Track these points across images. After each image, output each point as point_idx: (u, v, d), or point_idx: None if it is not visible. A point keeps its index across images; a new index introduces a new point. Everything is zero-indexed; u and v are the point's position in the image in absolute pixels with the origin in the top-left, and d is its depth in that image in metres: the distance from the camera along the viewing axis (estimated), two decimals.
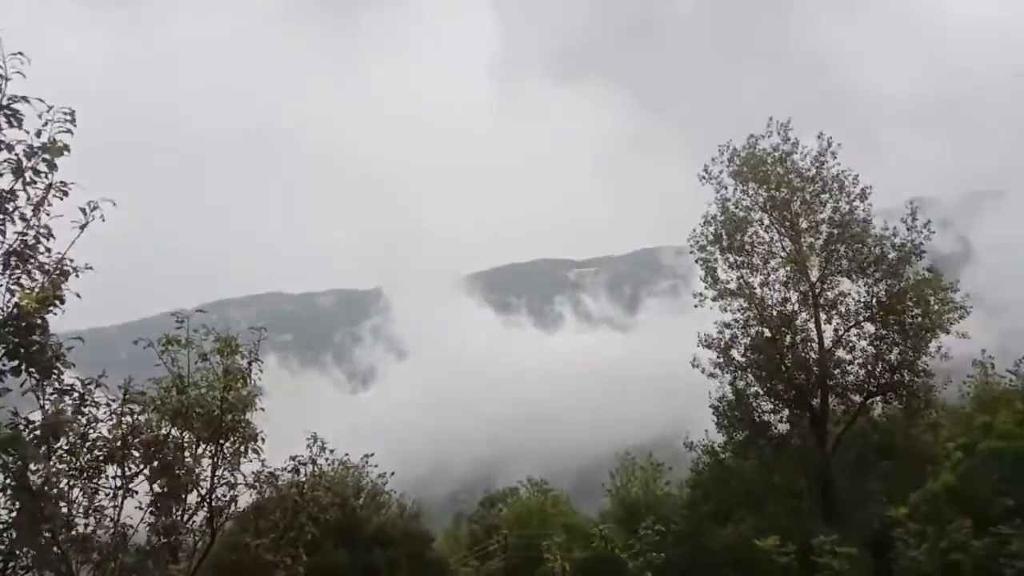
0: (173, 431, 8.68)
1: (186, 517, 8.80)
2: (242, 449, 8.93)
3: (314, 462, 14.25)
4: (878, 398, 30.94)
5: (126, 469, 8.17)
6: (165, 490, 8.40)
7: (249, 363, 9.21)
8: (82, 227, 7.28)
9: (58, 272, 7.16)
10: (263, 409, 9.00)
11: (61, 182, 7.30)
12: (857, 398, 30.76)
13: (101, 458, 8.07)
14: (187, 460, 8.66)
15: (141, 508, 8.52)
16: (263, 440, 8.88)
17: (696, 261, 31.51)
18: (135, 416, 8.27)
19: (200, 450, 8.90)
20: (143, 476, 8.35)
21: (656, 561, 30.39)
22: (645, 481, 48.83)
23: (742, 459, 31.73)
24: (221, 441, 8.84)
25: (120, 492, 8.10)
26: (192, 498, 8.81)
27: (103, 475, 8.12)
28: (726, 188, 31.89)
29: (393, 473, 48.56)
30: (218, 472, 8.97)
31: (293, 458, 11.18)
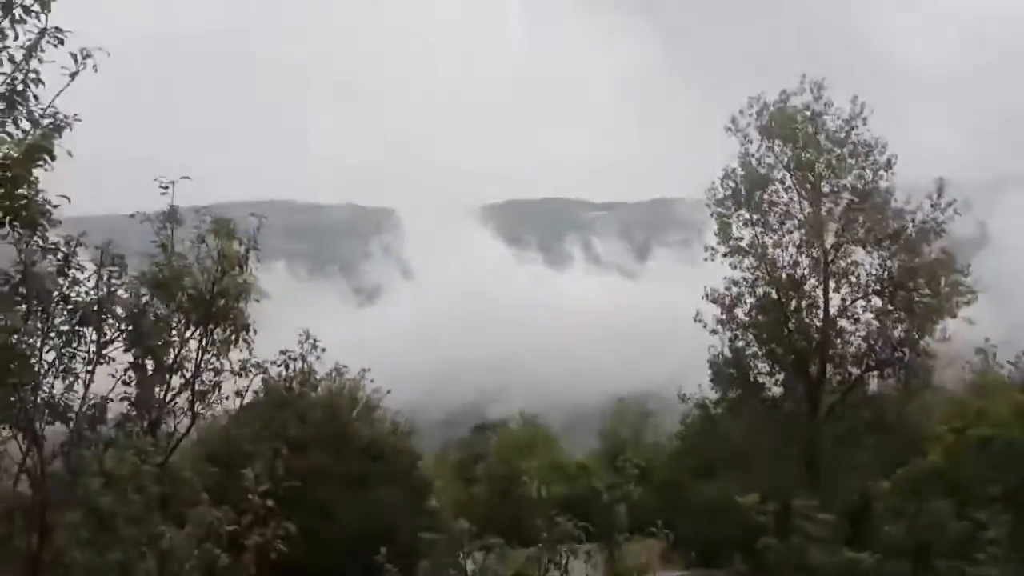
0: (157, 304, 8.42)
1: (169, 397, 8.66)
2: (232, 337, 8.71)
3: (304, 359, 14.23)
4: (876, 372, 30.87)
5: (102, 335, 7.88)
6: (140, 361, 8.18)
7: (247, 250, 8.86)
8: (72, 75, 6.69)
9: (50, 125, 6.66)
10: (258, 300, 8.80)
11: (57, 28, 6.65)
12: (855, 370, 30.70)
13: (76, 321, 7.79)
14: (172, 337, 8.45)
15: (115, 377, 8.25)
16: (255, 331, 8.69)
17: (711, 215, 31.13)
18: (113, 280, 7.99)
19: (188, 332, 8.69)
20: (119, 344, 8.05)
21: (632, 495, 30.81)
22: (635, 427, 49.39)
23: (733, 417, 31.85)
24: (211, 326, 8.63)
25: (94, 357, 7.85)
26: (177, 380, 8.66)
27: (80, 339, 7.85)
28: (751, 143, 31.26)
29: (389, 391, 49.15)
30: (205, 356, 8.79)
31: (284, 352, 11.16)
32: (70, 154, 6.70)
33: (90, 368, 7.88)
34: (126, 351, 8.16)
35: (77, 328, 7.84)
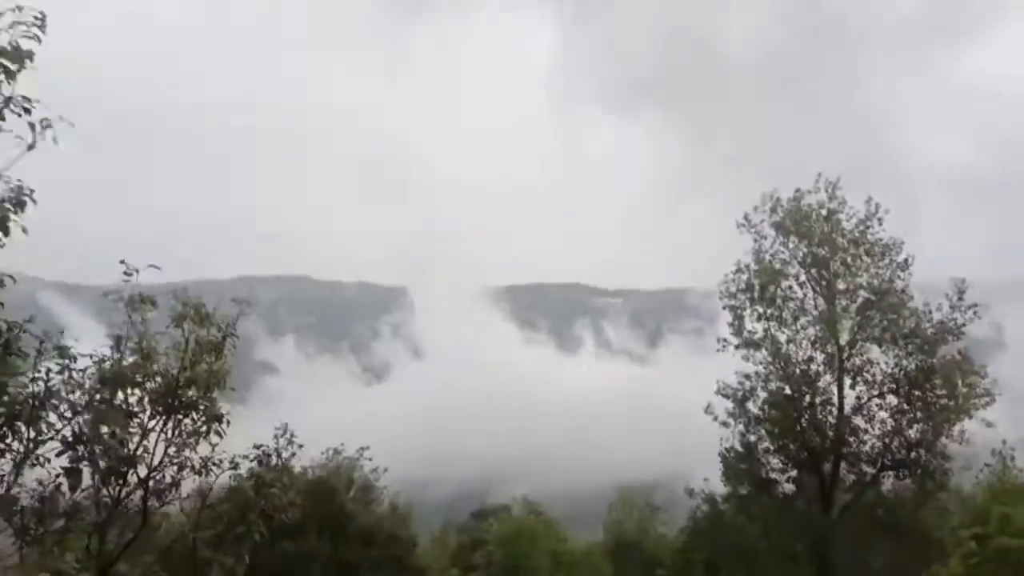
0: (111, 396, 7.44)
1: (123, 493, 7.68)
2: (203, 428, 7.93)
3: (279, 454, 13.20)
4: (891, 473, 30.08)
5: (34, 432, 6.96)
6: (76, 466, 7.23)
7: (223, 337, 8.16)
8: (29, 147, 6.12)
9: (9, 198, 6.15)
10: (233, 389, 8.12)
11: (24, 96, 6.13)
12: (870, 469, 29.93)
13: (5, 417, 6.80)
14: (131, 429, 7.54)
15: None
16: (227, 422, 7.86)
17: (724, 307, 30.91)
18: (52, 375, 7.07)
19: (152, 423, 7.82)
20: (59, 442, 7.15)
21: None
22: (640, 519, 48.16)
23: (743, 513, 30.94)
24: (179, 416, 7.85)
25: (21, 458, 6.94)
26: (133, 476, 7.63)
27: (15, 436, 6.90)
28: (765, 238, 31.30)
29: (387, 469, 48.21)
30: (169, 450, 7.91)
31: (258, 447, 10.25)
32: (25, 231, 6.29)
33: (16, 470, 6.93)
34: (59, 454, 7.17)
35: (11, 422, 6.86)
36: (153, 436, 7.64)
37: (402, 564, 30.87)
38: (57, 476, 7.13)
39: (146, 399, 7.59)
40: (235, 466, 8.40)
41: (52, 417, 7.07)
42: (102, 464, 7.00)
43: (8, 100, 6.07)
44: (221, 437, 7.78)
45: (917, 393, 29.36)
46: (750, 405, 30.42)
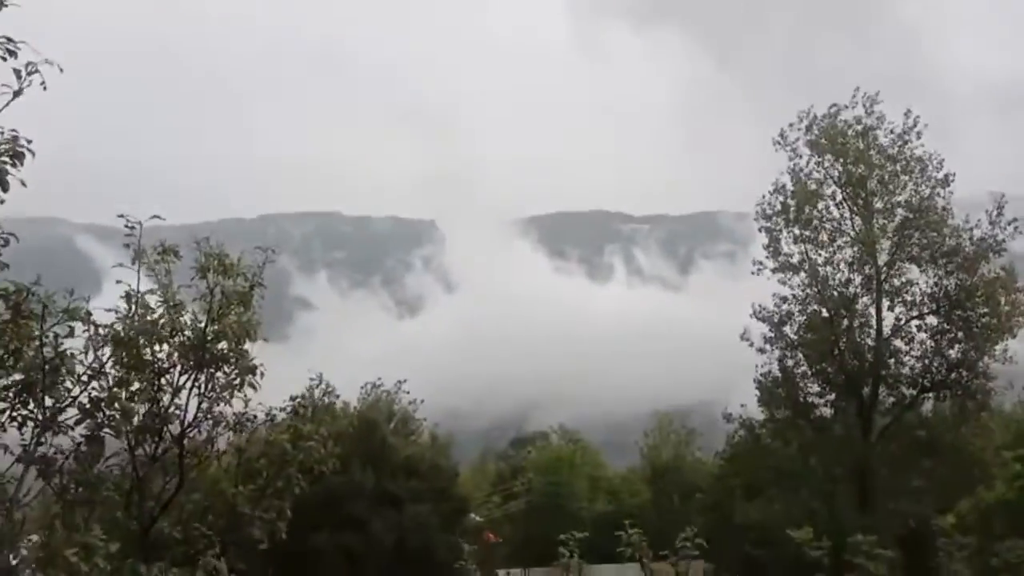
0: (137, 354, 6.86)
1: (160, 450, 7.28)
2: (237, 382, 7.67)
3: (315, 407, 12.90)
4: (931, 394, 29.76)
5: (49, 400, 6.49)
6: (95, 433, 6.73)
7: (251, 287, 7.52)
8: (15, 93, 5.54)
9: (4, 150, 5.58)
10: (266, 339, 7.83)
11: (6, 37, 5.52)
12: (909, 391, 29.60)
13: (27, 382, 6.35)
14: (162, 385, 7.27)
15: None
16: (261, 374, 7.53)
17: (760, 229, 30.34)
18: (60, 339, 6.44)
19: (183, 378, 7.49)
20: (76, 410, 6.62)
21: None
22: (677, 445, 48.52)
23: (780, 438, 30.93)
24: (211, 370, 7.56)
25: (40, 427, 6.44)
26: (174, 430, 7.38)
27: (32, 403, 6.45)
28: (800, 157, 30.47)
29: (423, 400, 48.84)
30: (202, 406, 7.65)
31: (293, 399, 9.88)
32: (23, 184, 5.64)
33: (35, 440, 6.48)
34: (77, 423, 6.68)
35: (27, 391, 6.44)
36: (184, 393, 7.31)
37: (445, 494, 31.35)
38: (79, 445, 6.68)
39: (175, 354, 7.18)
40: (271, 419, 8.09)
41: (69, 382, 6.57)
42: (133, 423, 6.76)
43: None
44: (256, 390, 7.54)
45: (958, 312, 28.80)
46: (787, 329, 30.08)
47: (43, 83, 5.61)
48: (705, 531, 37.13)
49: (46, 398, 6.43)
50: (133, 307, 6.88)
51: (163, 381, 7.02)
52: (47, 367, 6.34)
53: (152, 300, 7.00)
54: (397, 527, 28.26)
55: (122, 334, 6.77)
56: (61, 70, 5.54)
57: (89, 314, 6.55)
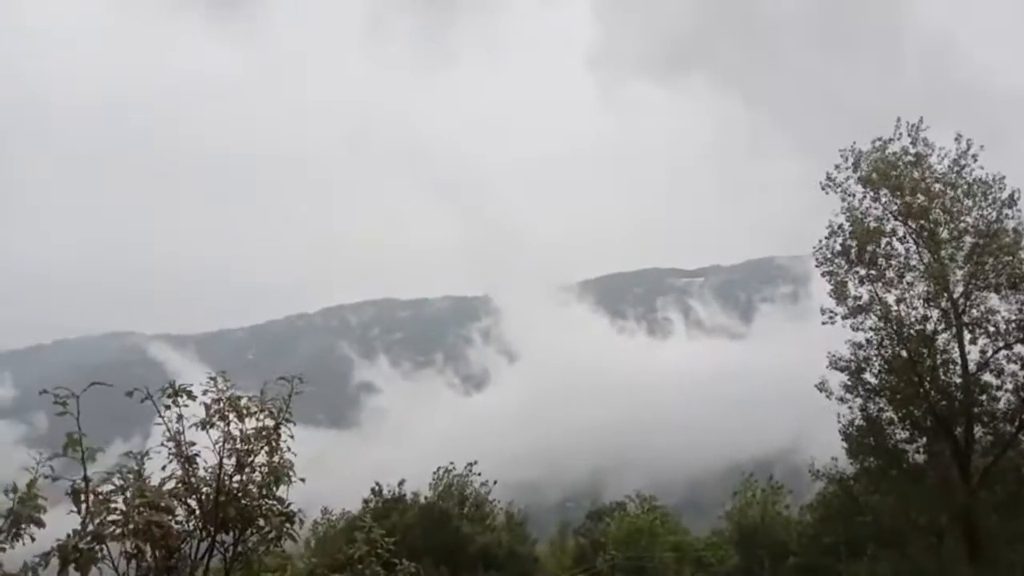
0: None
1: None
2: (272, 536, 6.65)
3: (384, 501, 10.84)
4: None
5: None
6: None
7: (276, 425, 6.59)
8: None
9: None
10: (303, 480, 6.84)
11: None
12: (1008, 428, 27.71)
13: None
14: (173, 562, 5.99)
15: None
16: (301, 521, 6.53)
17: (823, 275, 29.15)
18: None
19: (203, 545, 6.41)
20: None
21: None
22: (763, 503, 46.42)
23: (874, 490, 29.13)
24: (235, 532, 6.55)
25: None
26: None
27: None
28: (853, 196, 29.41)
29: (496, 482, 47.96)
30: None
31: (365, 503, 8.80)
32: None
33: None
34: None
35: None
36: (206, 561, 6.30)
37: None
38: None
39: (192, 519, 6.09)
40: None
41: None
42: None
43: None
44: (296, 541, 6.70)
45: None
46: (866, 375, 28.61)
47: None
48: None
49: None
50: (133, 472, 5.71)
51: (177, 555, 5.89)
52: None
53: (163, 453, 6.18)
54: None
55: (123, 505, 5.58)
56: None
57: (87, 480, 5.42)
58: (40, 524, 4.96)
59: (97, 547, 5.13)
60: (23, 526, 4.85)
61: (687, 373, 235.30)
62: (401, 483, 37.02)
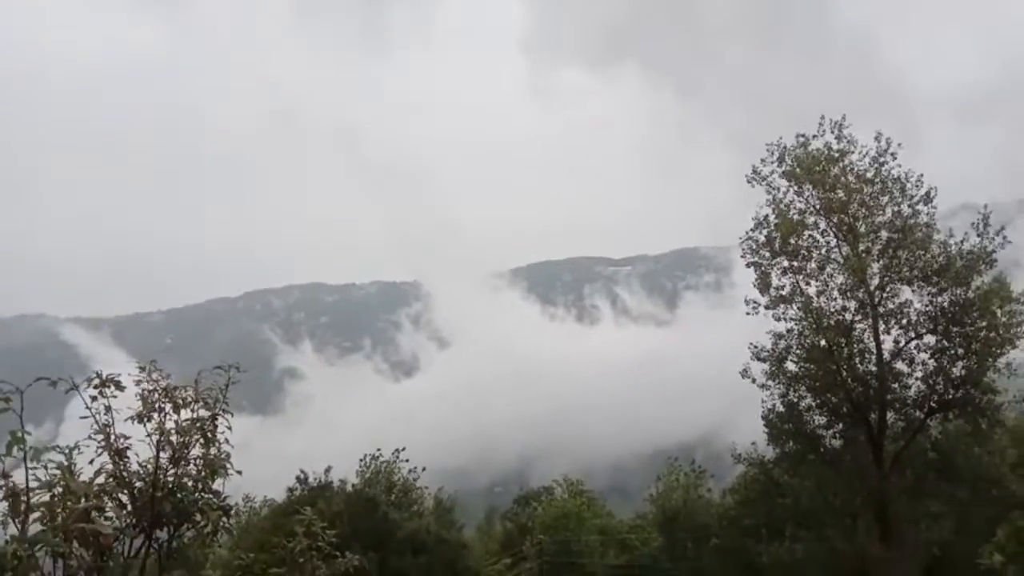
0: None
1: None
2: (207, 531, 6.44)
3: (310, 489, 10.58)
4: (939, 415, 29.16)
5: None
6: None
7: (213, 417, 6.36)
8: None
9: None
10: (240, 472, 6.67)
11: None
12: (918, 414, 29.02)
13: None
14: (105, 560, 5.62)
15: None
16: (238, 515, 6.27)
17: (747, 265, 29.94)
18: None
19: (136, 541, 6.10)
20: None
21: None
22: (686, 487, 47.46)
23: (793, 474, 30.17)
24: (170, 528, 6.31)
25: None
26: None
27: None
28: (777, 189, 30.29)
29: (424, 468, 47.87)
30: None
31: (290, 490, 8.45)
32: None
33: None
34: None
35: None
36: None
37: (454, 568, 30.30)
38: None
39: (124, 513, 5.86)
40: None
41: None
42: None
43: None
44: (231, 535, 6.53)
45: (956, 329, 28.34)
46: (787, 364, 29.56)
47: None
48: (726, 574, 36.25)
49: None
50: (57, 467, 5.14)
51: (108, 554, 5.56)
52: None
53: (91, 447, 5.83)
54: None
55: (52, 500, 5.18)
56: None
57: (7, 475, 5.06)
58: None
59: (34, 553, 4.85)
60: None
61: (614, 359, 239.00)
62: (327, 470, 36.60)
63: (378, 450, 45.72)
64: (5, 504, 4.92)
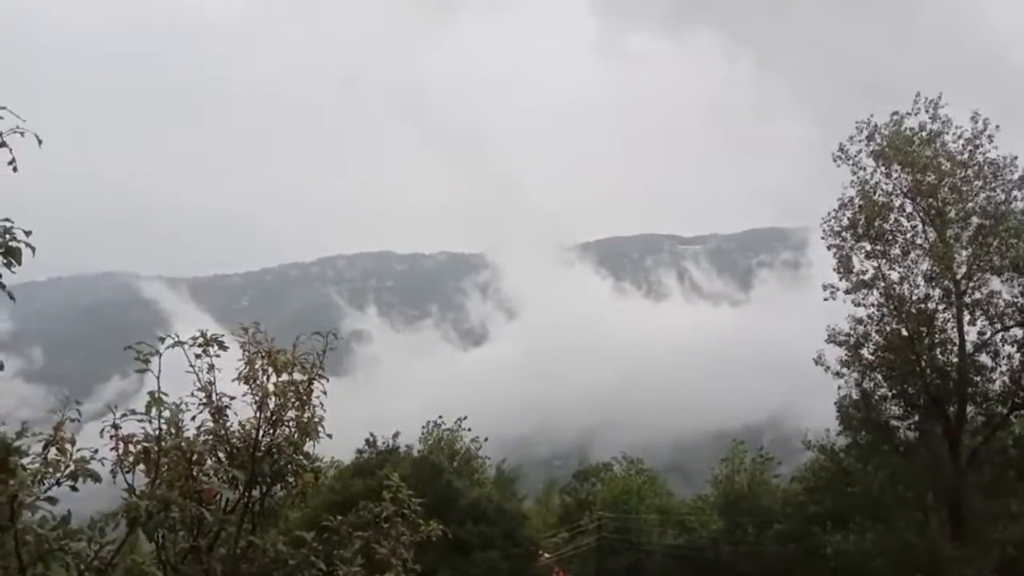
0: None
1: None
2: (296, 492, 6.62)
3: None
4: (1023, 411, 27.92)
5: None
6: None
7: (309, 380, 6.44)
8: None
9: None
10: (330, 436, 6.81)
11: None
12: (1000, 409, 27.81)
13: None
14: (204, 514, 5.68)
15: None
16: (325, 478, 6.53)
17: (828, 248, 28.96)
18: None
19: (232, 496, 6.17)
20: None
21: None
22: (751, 471, 46.80)
23: (864, 464, 29.32)
24: (264, 488, 6.43)
25: None
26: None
27: None
28: (864, 169, 29.11)
29: (487, 439, 48.22)
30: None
31: (359, 452, 8.72)
32: (12, 297, 4.57)
33: None
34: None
35: None
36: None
37: (513, 538, 30.45)
38: None
39: (222, 470, 5.95)
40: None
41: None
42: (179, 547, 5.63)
43: None
44: (311, 489, 6.60)
45: None
46: (864, 351, 28.59)
47: (12, 163, 4.46)
48: (784, 563, 35.68)
49: None
50: (160, 418, 5.34)
51: (209, 510, 5.70)
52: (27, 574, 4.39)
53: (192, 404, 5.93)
54: None
55: (155, 453, 5.34)
56: (40, 142, 4.39)
57: (116, 427, 5.31)
58: (97, 479, 4.87)
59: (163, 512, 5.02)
60: (80, 479, 4.70)
61: (682, 337, 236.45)
62: (395, 435, 37.18)
63: (440, 417, 46.12)
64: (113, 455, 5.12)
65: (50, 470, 4.64)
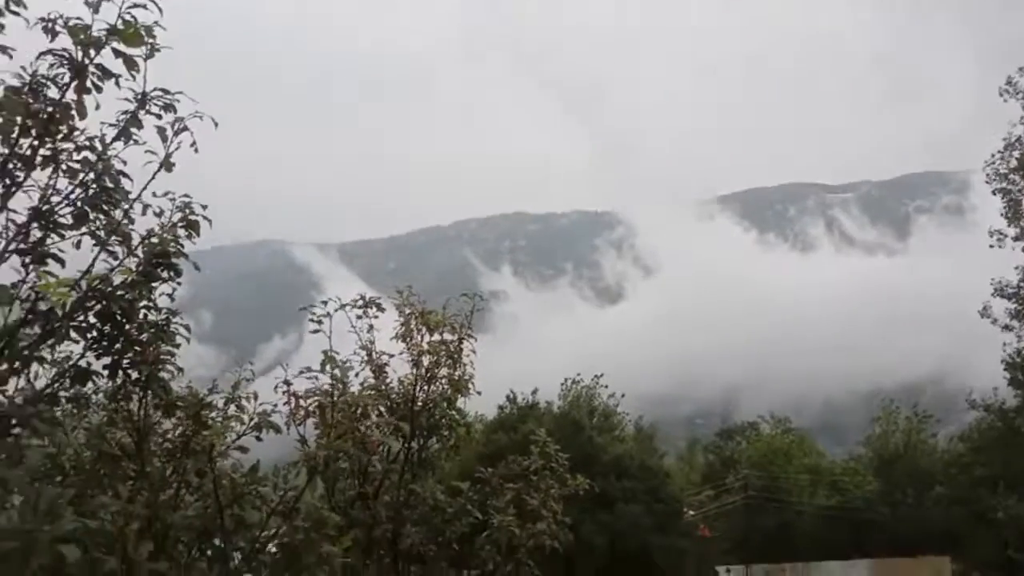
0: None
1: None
2: (450, 444, 7.08)
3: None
4: None
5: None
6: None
7: (459, 340, 6.77)
8: (163, 164, 4.44)
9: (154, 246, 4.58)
10: (480, 392, 7.20)
11: (161, 90, 4.40)
12: None
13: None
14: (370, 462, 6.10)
15: None
16: (476, 432, 7.09)
17: (994, 192, 26.83)
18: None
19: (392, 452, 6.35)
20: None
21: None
22: (908, 431, 44.60)
23: None
24: (421, 440, 6.64)
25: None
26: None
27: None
28: None
29: (624, 395, 48.19)
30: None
31: (501, 408, 9.14)
32: (197, 268, 4.94)
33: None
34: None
35: None
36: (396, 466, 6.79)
37: (657, 494, 30.54)
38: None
39: (383, 422, 6.38)
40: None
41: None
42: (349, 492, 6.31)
43: (143, 98, 4.36)
44: (463, 442, 7.10)
45: None
46: None
47: (194, 145, 4.59)
48: (948, 526, 33.95)
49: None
50: (332, 374, 5.80)
51: (374, 459, 6.24)
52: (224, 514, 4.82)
53: (355, 362, 6.42)
54: (608, 529, 27.77)
55: (328, 408, 5.77)
56: (216, 124, 4.58)
57: (288, 383, 5.81)
58: (278, 430, 5.38)
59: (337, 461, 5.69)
60: (263, 430, 5.22)
61: (833, 291, 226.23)
62: (534, 392, 37.86)
63: (578, 374, 46.58)
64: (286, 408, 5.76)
65: (235, 423, 5.18)
